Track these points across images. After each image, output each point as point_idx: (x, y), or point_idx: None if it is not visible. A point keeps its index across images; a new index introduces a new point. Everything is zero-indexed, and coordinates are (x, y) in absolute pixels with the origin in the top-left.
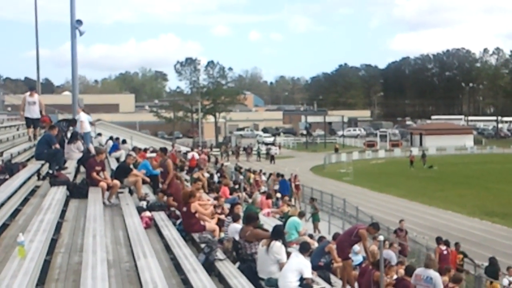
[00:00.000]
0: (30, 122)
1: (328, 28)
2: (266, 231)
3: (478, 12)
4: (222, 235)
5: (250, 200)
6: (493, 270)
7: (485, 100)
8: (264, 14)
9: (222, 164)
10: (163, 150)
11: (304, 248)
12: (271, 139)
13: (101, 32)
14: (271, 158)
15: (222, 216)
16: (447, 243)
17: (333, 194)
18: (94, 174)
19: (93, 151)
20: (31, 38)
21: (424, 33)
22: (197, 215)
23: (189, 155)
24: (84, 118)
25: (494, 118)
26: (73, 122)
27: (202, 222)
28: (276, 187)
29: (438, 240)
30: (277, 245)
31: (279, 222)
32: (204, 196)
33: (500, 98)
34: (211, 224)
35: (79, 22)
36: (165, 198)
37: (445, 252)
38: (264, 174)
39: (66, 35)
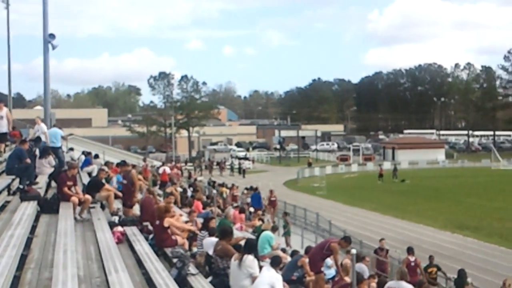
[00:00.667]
0: None
1: (301, 42)
2: (239, 246)
3: (450, 27)
4: (195, 249)
5: (223, 215)
6: (461, 282)
7: (457, 114)
8: (238, 29)
9: (195, 179)
10: (122, 163)
11: (275, 262)
12: (244, 154)
13: (74, 46)
14: (243, 172)
15: (194, 228)
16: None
17: (306, 208)
18: (66, 189)
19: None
20: (2, 52)
21: (396, 48)
22: (169, 230)
23: (161, 170)
24: (44, 129)
25: (465, 132)
26: (37, 141)
27: (174, 237)
28: (248, 200)
29: (408, 251)
30: (249, 258)
31: (252, 236)
32: (177, 211)
33: (471, 112)
34: (182, 238)
35: (52, 36)
36: (133, 212)
37: (412, 264)
38: (237, 187)
39: (39, 49)
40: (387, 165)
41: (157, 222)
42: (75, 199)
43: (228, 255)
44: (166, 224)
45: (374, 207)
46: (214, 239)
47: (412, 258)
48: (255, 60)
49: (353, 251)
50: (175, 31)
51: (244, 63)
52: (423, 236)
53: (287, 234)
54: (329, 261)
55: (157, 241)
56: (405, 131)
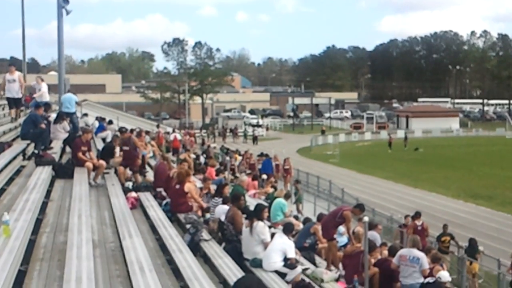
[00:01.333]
0: (12, 102)
1: (315, 9)
2: (250, 212)
3: None
4: (208, 215)
5: (236, 181)
6: (472, 251)
7: (472, 83)
8: None
9: (209, 146)
10: (123, 130)
11: (288, 229)
12: (258, 121)
13: (88, 12)
14: (254, 139)
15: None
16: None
17: (319, 176)
18: (80, 154)
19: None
20: (17, 17)
21: (412, 16)
22: (188, 195)
23: (171, 136)
24: (45, 88)
25: (480, 101)
26: (47, 106)
27: (190, 202)
28: (259, 166)
29: (415, 215)
30: (260, 225)
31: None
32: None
33: (486, 81)
34: (199, 204)
35: (66, 1)
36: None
37: (419, 228)
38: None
39: (52, 14)
40: (401, 133)
41: (177, 186)
42: (89, 164)
43: (238, 222)
44: (186, 189)
45: (387, 175)
46: (226, 207)
47: (419, 222)
48: (269, 26)
49: (366, 218)
50: None
51: (258, 30)
52: (436, 204)
53: (298, 201)
54: (342, 228)
55: (173, 205)
56: (419, 100)
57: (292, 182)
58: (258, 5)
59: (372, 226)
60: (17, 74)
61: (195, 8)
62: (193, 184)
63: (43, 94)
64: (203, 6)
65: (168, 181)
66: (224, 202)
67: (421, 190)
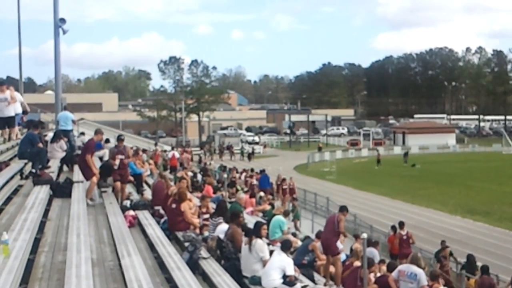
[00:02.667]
0: (2, 122)
1: (311, 26)
2: (248, 229)
3: (460, 11)
4: (206, 233)
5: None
6: (470, 267)
7: (467, 99)
8: (246, 12)
9: (205, 163)
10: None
11: (286, 246)
12: (254, 138)
13: (84, 31)
14: (248, 156)
15: (206, 216)
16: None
17: (317, 192)
18: (89, 156)
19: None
20: (13, 36)
21: (407, 32)
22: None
23: (170, 154)
24: (19, 98)
25: (476, 117)
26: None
27: (186, 221)
28: (255, 182)
29: (400, 225)
30: (259, 242)
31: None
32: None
33: (482, 97)
34: (194, 224)
35: (63, 20)
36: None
37: (404, 237)
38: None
39: (49, 34)
40: (397, 150)
41: (173, 206)
42: (95, 171)
43: (238, 240)
44: (182, 209)
45: (384, 191)
46: (225, 225)
47: (403, 232)
48: (264, 44)
49: (364, 235)
50: (184, 15)
51: (253, 47)
52: (433, 220)
53: (296, 218)
54: (340, 244)
55: (170, 224)
56: (416, 116)
57: (289, 200)
58: (253, 23)
59: (370, 243)
60: (8, 93)
61: (190, 26)
62: (188, 203)
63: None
64: (198, 25)
65: (166, 199)
66: (223, 220)
67: (419, 206)
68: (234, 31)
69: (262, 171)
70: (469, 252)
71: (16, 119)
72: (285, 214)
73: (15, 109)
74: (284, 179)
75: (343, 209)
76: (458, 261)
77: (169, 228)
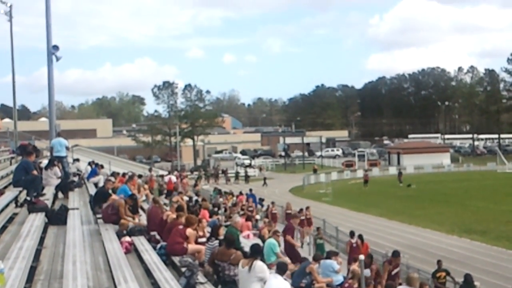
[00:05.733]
0: None
1: (303, 49)
2: (245, 253)
3: (451, 31)
4: (203, 258)
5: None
6: (468, 287)
7: (461, 118)
8: (238, 37)
9: (197, 186)
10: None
11: (281, 269)
12: (249, 161)
13: (77, 57)
14: (245, 178)
15: (204, 239)
16: (360, 237)
17: (313, 215)
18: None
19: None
20: (6, 64)
21: (398, 53)
22: (187, 240)
23: (166, 178)
24: None
25: (470, 136)
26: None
27: (185, 245)
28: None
29: (351, 234)
30: (259, 264)
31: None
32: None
33: (475, 116)
34: (197, 246)
35: (56, 47)
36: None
37: (354, 245)
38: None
39: (42, 61)
40: (393, 170)
41: (181, 226)
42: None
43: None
44: (187, 233)
45: (380, 212)
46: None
47: (354, 240)
48: (257, 67)
49: (361, 257)
50: (176, 40)
51: (246, 71)
52: (430, 240)
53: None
54: (336, 265)
55: (169, 243)
56: (410, 136)
57: (313, 232)
58: (244, 46)
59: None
60: None
61: (182, 51)
62: (194, 232)
63: None
64: (190, 49)
65: (162, 224)
66: (220, 244)
67: (415, 227)
68: (226, 55)
69: (250, 190)
70: (467, 271)
71: None
72: (275, 233)
73: None
74: (301, 210)
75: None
76: (456, 281)
77: (167, 248)
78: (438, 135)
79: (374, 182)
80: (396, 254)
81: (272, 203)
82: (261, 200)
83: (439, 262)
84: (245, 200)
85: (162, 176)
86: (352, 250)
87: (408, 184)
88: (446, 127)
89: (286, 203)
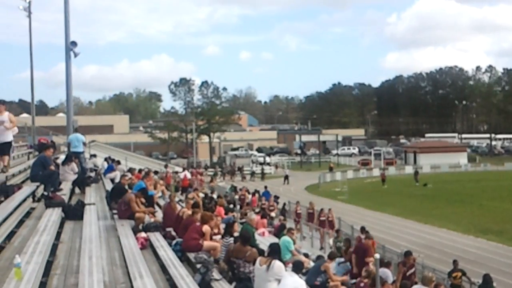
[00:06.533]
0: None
1: (320, 47)
2: (262, 251)
3: (469, 30)
4: (218, 254)
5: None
6: (486, 287)
7: (479, 117)
8: (255, 34)
9: (212, 182)
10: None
11: (298, 267)
12: (266, 159)
13: (94, 53)
14: (262, 175)
15: (218, 237)
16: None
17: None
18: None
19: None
20: (25, 60)
21: (416, 52)
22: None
23: (181, 175)
24: (6, 118)
25: (487, 135)
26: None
27: (200, 241)
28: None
29: (361, 230)
30: (277, 264)
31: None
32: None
33: (493, 115)
34: (212, 243)
35: (74, 43)
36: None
37: (363, 241)
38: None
39: (60, 56)
40: (409, 169)
41: (198, 223)
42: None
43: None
44: (204, 230)
45: (396, 211)
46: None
47: (363, 236)
48: (273, 65)
49: (377, 256)
50: (193, 37)
51: (263, 68)
52: (446, 240)
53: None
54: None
55: (185, 239)
56: (427, 135)
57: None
58: (261, 44)
59: (383, 263)
60: (6, 114)
61: (199, 47)
62: (210, 226)
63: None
64: (206, 46)
65: (178, 220)
66: (234, 241)
67: (431, 226)
68: (242, 52)
69: (265, 187)
70: (483, 272)
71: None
72: (289, 231)
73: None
74: (322, 210)
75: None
76: (472, 281)
77: (182, 244)
78: (455, 134)
79: (390, 181)
80: (408, 253)
81: (297, 202)
82: (277, 197)
83: (455, 262)
84: (258, 199)
85: (177, 172)
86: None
87: (424, 184)
88: (463, 126)
89: (309, 203)
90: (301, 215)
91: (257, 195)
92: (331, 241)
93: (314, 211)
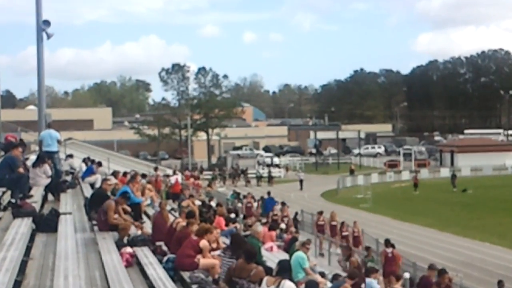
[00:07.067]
0: None
1: (339, 26)
2: (269, 269)
3: None
4: (217, 273)
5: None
6: None
7: None
8: (261, 11)
9: (210, 186)
10: None
11: None
12: (275, 160)
13: (71, 34)
14: (269, 179)
15: (217, 252)
16: (393, 246)
17: (349, 224)
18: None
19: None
20: None
21: (453, 32)
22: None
23: (172, 179)
24: None
25: None
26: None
27: (196, 259)
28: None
29: (386, 243)
30: (288, 284)
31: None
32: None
33: None
34: (210, 260)
35: (47, 23)
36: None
37: (390, 255)
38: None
39: (30, 38)
40: (445, 172)
41: (195, 238)
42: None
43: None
44: (201, 245)
45: (429, 222)
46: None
47: (389, 250)
48: (283, 48)
49: (406, 275)
50: (188, 16)
51: (271, 52)
52: (489, 256)
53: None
54: (376, 284)
55: (178, 258)
56: (466, 131)
57: (361, 252)
58: (268, 23)
59: (413, 283)
60: None
61: (195, 27)
62: (208, 240)
63: None
64: (204, 26)
65: (170, 233)
66: (237, 258)
67: (471, 240)
68: (246, 33)
69: (268, 193)
70: None
71: None
72: (304, 245)
73: None
74: (343, 224)
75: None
76: None
77: (176, 261)
78: (500, 130)
79: (422, 186)
80: (442, 272)
81: (320, 212)
82: (283, 205)
83: (500, 282)
84: (255, 206)
85: (168, 176)
86: (388, 261)
87: (463, 189)
88: (510, 121)
89: (331, 213)
90: (325, 228)
91: (259, 202)
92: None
93: (338, 223)
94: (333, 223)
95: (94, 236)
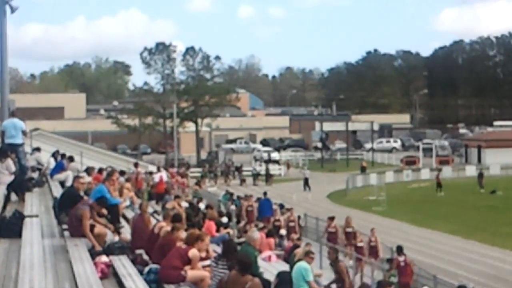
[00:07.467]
0: None
1: (349, 1)
2: (267, 282)
3: None
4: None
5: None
6: None
7: None
8: None
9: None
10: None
11: None
12: (274, 155)
13: (38, 8)
14: (266, 177)
15: (207, 262)
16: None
17: (359, 230)
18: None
19: None
20: None
21: (481, 8)
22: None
23: (156, 177)
24: None
25: None
26: None
27: (183, 272)
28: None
29: (398, 250)
30: None
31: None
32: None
33: None
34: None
35: None
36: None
37: (402, 263)
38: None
39: None
40: (471, 171)
41: (184, 246)
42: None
43: None
44: (190, 255)
45: (452, 228)
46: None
47: (401, 258)
48: (285, 25)
49: None
50: None
51: (270, 30)
52: None
53: None
54: None
55: (162, 269)
56: (496, 123)
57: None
58: None
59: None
60: None
61: (182, 1)
62: (198, 249)
63: None
64: None
65: (152, 239)
66: (230, 268)
67: (501, 249)
68: (241, 7)
69: (264, 194)
70: None
71: None
72: (307, 254)
73: None
74: (355, 233)
75: None
76: None
77: (160, 272)
78: None
79: (445, 186)
80: None
81: (331, 218)
82: (281, 207)
83: None
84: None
85: (151, 173)
86: (400, 272)
87: (492, 190)
88: None
89: (346, 218)
90: (337, 236)
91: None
92: (375, 273)
93: (353, 230)
94: (348, 229)
95: (64, 243)
